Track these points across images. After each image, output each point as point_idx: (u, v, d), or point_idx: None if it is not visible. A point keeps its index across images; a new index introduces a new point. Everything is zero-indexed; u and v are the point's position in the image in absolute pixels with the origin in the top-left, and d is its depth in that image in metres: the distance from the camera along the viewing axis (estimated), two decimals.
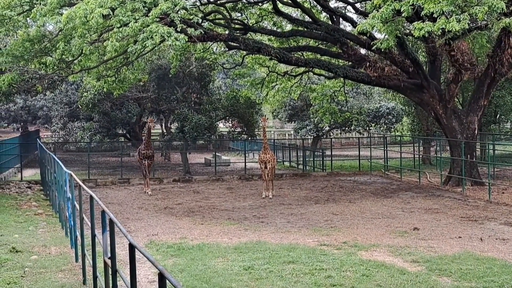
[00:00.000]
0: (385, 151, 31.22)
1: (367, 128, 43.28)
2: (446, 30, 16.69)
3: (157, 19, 18.22)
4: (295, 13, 29.35)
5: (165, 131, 40.20)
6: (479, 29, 22.17)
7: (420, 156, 33.69)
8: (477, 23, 19.24)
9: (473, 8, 16.38)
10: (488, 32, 26.04)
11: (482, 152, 33.28)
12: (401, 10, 16.95)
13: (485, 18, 17.45)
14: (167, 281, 5.08)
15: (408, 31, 24.95)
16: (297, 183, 26.94)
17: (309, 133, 41.74)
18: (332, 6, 28.21)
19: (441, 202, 20.69)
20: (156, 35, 17.45)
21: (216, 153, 36.12)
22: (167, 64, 30.35)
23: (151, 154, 24.96)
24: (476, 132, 25.22)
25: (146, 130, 25.88)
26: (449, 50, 23.70)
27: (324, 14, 28.64)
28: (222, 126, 40.07)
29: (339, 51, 26.29)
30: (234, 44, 25.17)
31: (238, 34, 25.01)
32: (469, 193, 22.47)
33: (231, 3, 26.26)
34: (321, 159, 33.17)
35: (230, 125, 35.94)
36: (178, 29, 18.06)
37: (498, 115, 40.50)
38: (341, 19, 27.28)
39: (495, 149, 31.38)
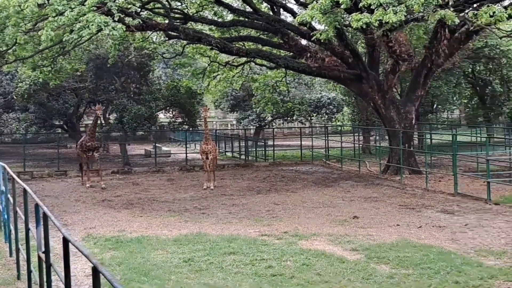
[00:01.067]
0: (326, 141, 31.51)
1: (309, 118, 43.60)
2: (384, 21, 16.89)
3: (94, 8, 17.86)
4: (236, 3, 29.22)
5: (103, 122, 39.54)
6: (416, 20, 22.43)
7: (360, 145, 34.14)
8: (414, 14, 19.49)
9: (409, 0, 16.61)
10: (425, 23, 26.46)
11: (420, 141, 33.98)
12: (340, 2, 17.08)
13: (421, 10, 17.71)
14: (101, 275, 4.96)
15: (347, 22, 25.15)
16: (239, 174, 26.92)
17: (252, 123, 41.79)
18: None
19: (380, 191, 20.99)
20: (92, 25, 17.12)
21: (157, 144, 35.79)
22: (105, 54, 29.82)
23: (96, 146, 24.18)
24: (413, 121, 25.69)
25: (93, 120, 24.94)
26: (387, 41, 24.01)
27: (265, 4, 28.61)
28: (163, 117, 39.72)
29: (281, 41, 26.34)
30: (174, 33, 24.90)
31: (178, 24, 24.75)
32: (407, 181, 22.87)
33: None
34: (263, 149, 33.25)
35: (171, 115, 35.64)
36: (116, 19, 17.76)
37: (435, 105, 41.43)
38: (281, 9, 27.29)
39: (432, 138, 32.05)
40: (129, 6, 19.32)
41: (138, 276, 10.70)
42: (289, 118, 42.92)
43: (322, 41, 19.68)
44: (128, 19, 18.87)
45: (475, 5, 21.21)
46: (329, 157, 31.39)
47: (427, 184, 21.39)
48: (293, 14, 26.58)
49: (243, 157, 33.83)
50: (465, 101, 44.88)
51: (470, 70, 39.03)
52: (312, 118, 44.41)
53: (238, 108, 43.32)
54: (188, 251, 12.45)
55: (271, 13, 26.56)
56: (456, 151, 21.30)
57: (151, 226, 15.52)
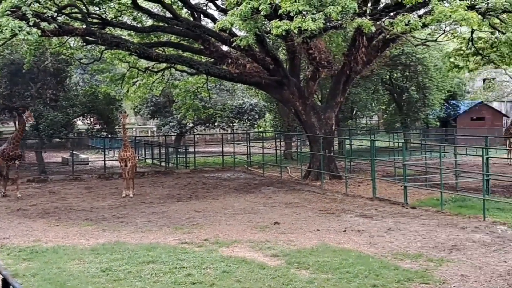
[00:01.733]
0: (248, 147, 31.56)
1: (231, 124, 43.61)
2: (303, 28, 17.03)
3: (8, 13, 17.26)
4: (155, 8, 28.89)
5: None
6: (335, 28, 22.84)
7: (282, 151, 34.37)
8: (332, 22, 19.81)
9: (327, 8, 16.83)
10: (344, 31, 26.97)
11: (340, 147, 34.51)
12: (260, 8, 17.11)
13: (339, 18, 17.97)
14: (11, 287, 4.74)
15: (268, 29, 25.30)
16: (159, 181, 26.59)
17: (172, 130, 41.42)
18: (193, 2, 28.08)
19: (301, 196, 21.13)
20: (6, 29, 16.53)
21: (74, 152, 34.94)
22: (21, 59, 28.91)
23: (20, 154, 23.23)
24: (333, 127, 26.07)
25: (19, 127, 23.85)
26: (307, 49, 24.29)
27: (185, 10, 28.43)
28: (80, 123, 38.82)
29: (201, 47, 26.20)
30: (92, 38, 24.40)
31: (96, 29, 24.26)
32: (328, 186, 23.15)
33: None
34: (184, 156, 32.97)
35: (89, 122, 34.87)
36: (31, 23, 17.21)
37: (354, 111, 42.28)
38: (202, 15, 27.19)
39: (352, 144, 32.62)
40: (45, 10, 18.77)
41: (53, 287, 10.34)
42: (210, 125, 42.81)
43: (242, 47, 19.69)
44: (43, 24, 18.31)
45: (391, 14, 21.74)
46: (251, 163, 31.46)
47: (346, 189, 21.70)
48: (214, 20, 26.55)
49: (163, 164, 33.45)
50: (383, 107, 45.99)
51: (387, 77, 40.03)
52: (234, 124, 44.47)
53: (158, 115, 42.86)
54: (106, 260, 12.14)
55: (191, 19, 26.40)
56: (374, 156, 21.72)
57: (67, 235, 15.08)
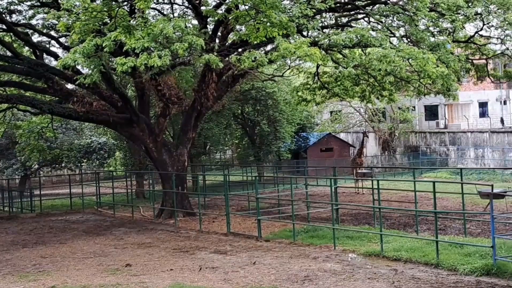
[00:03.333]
0: (98, 188, 30.58)
1: (79, 164, 42.19)
2: (149, 65, 16.81)
3: None
4: None
5: None
6: (183, 64, 22.79)
7: (134, 190, 33.63)
8: (180, 59, 19.74)
9: (174, 45, 16.74)
10: (193, 67, 27.02)
11: (194, 183, 34.33)
12: (104, 45, 16.68)
13: (186, 55, 17.94)
14: None
15: (115, 66, 24.85)
16: (2, 227, 24.96)
17: (16, 172, 39.36)
18: (35, 40, 27.09)
19: (154, 236, 20.66)
20: None
21: None
22: None
23: None
24: (186, 164, 25.86)
25: None
26: (156, 85, 24.06)
27: (27, 48, 27.35)
28: None
29: (45, 86, 25.18)
30: None
31: None
32: (182, 224, 22.82)
33: None
34: (29, 199, 31.36)
35: None
36: None
37: (207, 147, 42.37)
38: (45, 53, 26.26)
39: (205, 180, 32.54)
40: None
41: None
42: (57, 166, 41.20)
43: (87, 85, 19.09)
44: None
45: (239, 50, 22.06)
46: (101, 204, 30.44)
47: (201, 226, 21.50)
48: (57, 57, 25.67)
49: (7, 209, 31.62)
50: (236, 141, 46.60)
51: (239, 111, 40.64)
52: (83, 164, 43.06)
53: (0, 157, 40.65)
54: None
55: (33, 57, 25.38)
56: (228, 191, 21.72)
57: None
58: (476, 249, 14.26)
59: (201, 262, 15.66)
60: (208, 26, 23.30)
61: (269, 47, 23.70)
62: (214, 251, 17.28)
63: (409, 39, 22.34)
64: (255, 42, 17.71)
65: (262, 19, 16.72)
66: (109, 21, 17.82)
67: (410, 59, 19.49)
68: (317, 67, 25.46)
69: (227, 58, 21.66)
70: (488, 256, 13.41)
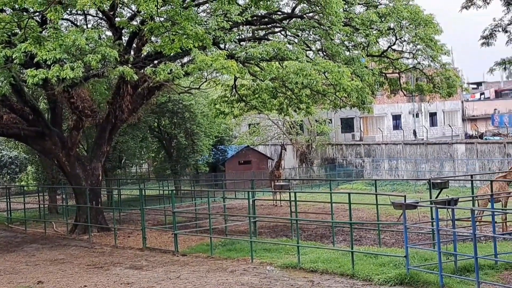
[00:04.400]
0: (8, 203, 29.51)
1: None
2: (61, 77, 16.37)
3: None
4: None
5: None
6: (97, 76, 22.30)
7: (46, 205, 32.61)
8: (94, 71, 19.30)
9: (87, 57, 16.38)
10: (107, 79, 26.49)
11: (109, 198, 33.58)
12: (14, 57, 16.13)
13: (100, 67, 17.59)
14: None
15: (26, 77, 24.08)
16: None
17: None
18: None
19: (67, 252, 20.09)
20: None
21: None
22: None
23: None
24: (100, 178, 25.29)
25: None
26: (68, 97, 23.48)
27: None
28: None
29: None
30: None
31: None
32: (96, 239, 22.29)
33: None
34: None
35: None
36: None
37: (123, 160, 41.63)
38: None
39: (121, 194, 31.92)
40: None
41: None
42: None
43: None
44: None
45: (155, 62, 21.82)
46: (12, 220, 29.36)
47: (116, 241, 21.07)
48: None
49: None
50: (153, 155, 45.99)
51: (156, 124, 40.15)
52: None
53: None
54: None
55: None
56: (143, 205, 21.36)
57: None
58: (390, 259, 14.50)
59: (116, 278, 15.31)
60: (123, 37, 22.98)
61: (186, 60, 23.54)
62: (130, 266, 16.96)
63: (325, 53, 22.68)
64: (170, 53, 17.53)
65: (177, 30, 16.56)
66: (19, 32, 17.27)
67: (326, 73, 19.78)
68: (235, 80, 25.44)
69: (142, 70, 21.41)
70: (401, 266, 13.65)
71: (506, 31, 18.31)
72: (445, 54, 25.25)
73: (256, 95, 26.30)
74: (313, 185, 45.46)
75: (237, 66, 18.54)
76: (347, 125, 60.22)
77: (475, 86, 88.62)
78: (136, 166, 50.76)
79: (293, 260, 15.62)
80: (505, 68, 21.80)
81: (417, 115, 63.82)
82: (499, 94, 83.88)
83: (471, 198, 18.90)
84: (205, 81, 28.41)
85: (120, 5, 21.72)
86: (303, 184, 46.05)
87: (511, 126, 58.78)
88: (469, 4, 17.65)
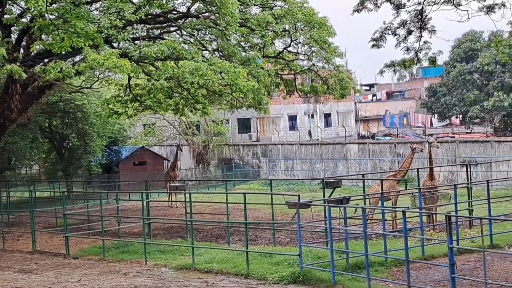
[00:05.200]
0: None
1: None
2: None
3: None
4: None
5: None
6: None
7: None
8: None
9: None
10: None
11: None
12: None
13: None
14: None
15: None
16: None
17: None
18: None
19: None
20: None
21: None
22: None
23: None
24: None
25: None
26: None
27: None
28: None
29: None
30: None
31: None
32: None
33: None
34: None
35: None
36: None
37: (12, 161, 40.12)
38: None
39: (9, 196, 30.75)
40: None
41: None
42: None
43: None
44: None
45: (46, 60, 21.17)
46: None
47: (4, 244, 20.35)
48: None
49: None
50: (44, 155, 44.51)
51: (47, 124, 38.86)
52: None
53: None
54: None
55: None
56: (34, 207, 20.70)
57: None
58: (285, 257, 14.68)
59: (4, 282, 14.75)
60: (12, 35, 22.15)
61: (78, 58, 22.96)
62: (19, 270, 16.46)
63: (221, 53, 22.73)
64: (60, 52, 17.02)
65: (68, 29, 16.10)
66: None
67: (222, 73, 19.81)
68: (129, 79, 25.00)
69: (32, 69, 20.71)
70: (295, 264, 13.85)
71: (396, 34, 18.98)
72: (339, 56, 25.90)
73: (151, 95, 25.92)
74: (209, 185, 45.44)
75: (131, 65, 18.27)
76: (244, 125, 60.69)
77: (367, 87, 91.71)
78: (26, 168, 49.03)
79: (188, 261, 15.54)
80: (394, 70, 22.54)
81: (312, 116, 65.22)
82: (390, 96, 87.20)
83: (362, 197, 19.48)
84: (97, 80, 27.81)
85: (9, 2, 20.97)
86: (200, 185, 45.96)
87: (401, 127, 61.09)
88: (361, 7, 18.17)
